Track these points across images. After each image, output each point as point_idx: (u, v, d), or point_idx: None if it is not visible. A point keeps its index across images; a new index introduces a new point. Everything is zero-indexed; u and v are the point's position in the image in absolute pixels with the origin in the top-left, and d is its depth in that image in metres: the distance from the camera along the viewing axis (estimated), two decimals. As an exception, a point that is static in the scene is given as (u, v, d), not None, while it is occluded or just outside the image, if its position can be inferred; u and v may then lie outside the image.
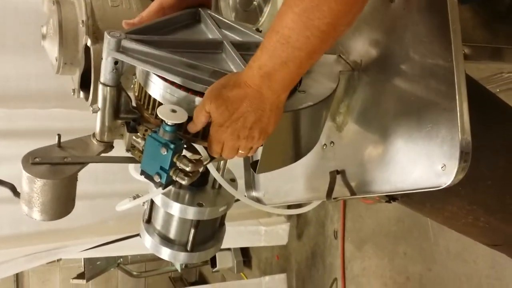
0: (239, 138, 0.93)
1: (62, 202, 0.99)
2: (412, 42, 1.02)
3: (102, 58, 0.94)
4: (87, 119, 1.17)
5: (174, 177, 0.94)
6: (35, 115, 2.61)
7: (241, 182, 1.43)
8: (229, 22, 1.13)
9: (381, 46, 1.11)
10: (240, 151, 0.96)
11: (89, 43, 1.19)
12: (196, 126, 0.95)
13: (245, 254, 4.22)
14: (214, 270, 4.26)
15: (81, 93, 1.28)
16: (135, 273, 4.61)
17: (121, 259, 4.27)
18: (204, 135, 0.98)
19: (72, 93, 1.43)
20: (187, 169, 0.93)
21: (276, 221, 3.62)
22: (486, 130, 1.12)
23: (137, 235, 1.38)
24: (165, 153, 0.91)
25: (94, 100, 1.15)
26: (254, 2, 1.60)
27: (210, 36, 1.10)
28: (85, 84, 1.24)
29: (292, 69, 0.84)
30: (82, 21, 1.33)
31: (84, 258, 3.87)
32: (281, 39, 0.81)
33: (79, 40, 1.37)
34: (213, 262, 4.20)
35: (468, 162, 0.90)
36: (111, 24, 1.32)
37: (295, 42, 0.80)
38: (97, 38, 1.27)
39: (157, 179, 0.94)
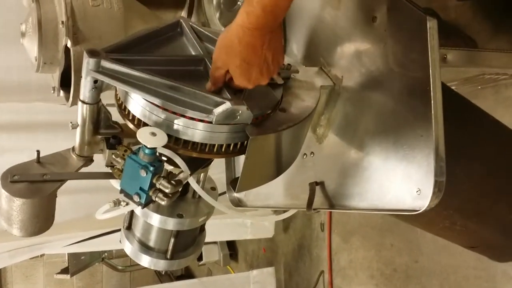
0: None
1: (41, 219, 1.00)
2: (392, 63, 1.01)
3: (82, 71, 0.92)
4: (69, 112, 1.16)
5: (153, 198, 0.94)
6: (16, 108, 2.56)
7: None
8: (210, 34, 1.11)
9: (362, 63, 1.10)
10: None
11: (69, 45, 1.17)
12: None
13: (231, 247, 4.21)
14: (200, 263, 4.26)
15: (61, 92, 1.26)
16: (120, 267, 4.58)
17: (106, 254, 4.25)
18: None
19: (52, 91, 1.40)
20: (167, 190, 0.93)
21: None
22: (465, 139, 1.13)
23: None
24: (145, 175, 0.91)
25: (74, 102, 1.12)
26: (239, 3, 1.57)
27: (192, 51, 1.09)
28: (65, 82, 1.21)
29: None
30: (62, 21, 1.30)
31: (68, 253, 3.85)
32: None
33: (59, 40, 1.33)
34: (199, 255, 4.18)
35: (441, 192, 0.90)
36: (91, 24, 1.29)
37: None
38: (78, 39, 1.25)
39: (136, 199, 0.94)
